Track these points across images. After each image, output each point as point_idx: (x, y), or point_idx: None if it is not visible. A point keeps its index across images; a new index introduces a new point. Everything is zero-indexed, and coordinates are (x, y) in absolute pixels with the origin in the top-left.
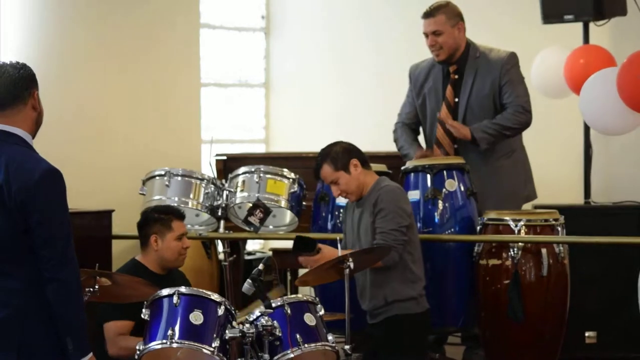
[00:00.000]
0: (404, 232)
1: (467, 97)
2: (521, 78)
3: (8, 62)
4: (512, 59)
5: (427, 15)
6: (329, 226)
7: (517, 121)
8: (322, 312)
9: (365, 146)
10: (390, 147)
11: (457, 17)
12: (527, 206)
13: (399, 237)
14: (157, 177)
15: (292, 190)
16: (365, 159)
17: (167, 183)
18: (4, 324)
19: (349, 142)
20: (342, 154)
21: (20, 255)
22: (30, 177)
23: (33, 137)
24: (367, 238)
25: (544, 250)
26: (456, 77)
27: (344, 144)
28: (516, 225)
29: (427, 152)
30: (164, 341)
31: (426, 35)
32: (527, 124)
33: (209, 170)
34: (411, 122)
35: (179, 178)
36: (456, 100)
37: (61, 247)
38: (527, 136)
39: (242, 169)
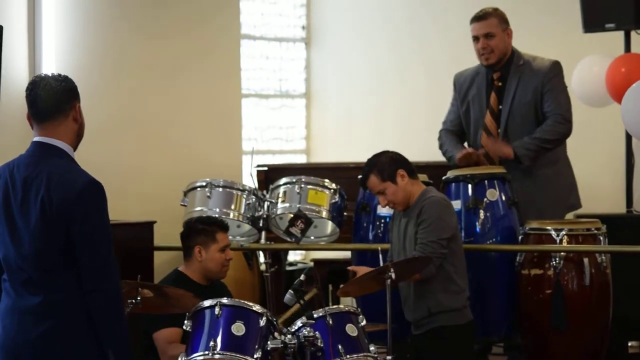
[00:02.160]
0: (444, 244)
1: (509, 104)
2: (563, 87)
3: (50, 74)
4: (556, 67)
5: (479, 18)
6: (370, 236)
7: (556, 132)
8: (363, 323)
9: (406, 156)
10: (432, 156)
11: (506, 23)
12: (570, 215)
13: (437, 250)
14: (199, 188)
15: (333, 200)
16: (412, 169)
17: (208, 194)
18: (47, 336)
19: (395, 152)
20: (388, 164)
21: (62, 267)
22: (71, 189)
23: (75, 149)
24: (411, 248)
25: (586, 260)
26: (500, 84)
27: (391, 153)
28: (558, 235)
29: (471, 151)
30: (206, 352)
31: (476, 38)
32: (567, 134)
33: (250, 181)
34: (455, 129)
35: (221, 189)
36: (500, 107)
37: (102, 259)
38: (568, 145)
39: (283, 180)
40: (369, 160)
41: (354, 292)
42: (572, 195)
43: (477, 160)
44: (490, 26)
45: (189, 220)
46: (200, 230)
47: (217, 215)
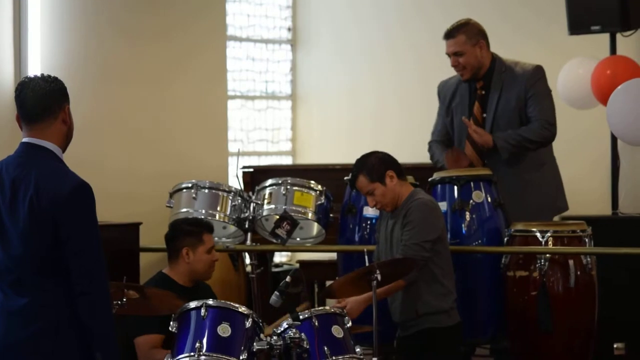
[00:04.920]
0: (427, 247)
1: (493, 112)
2: (547, 91)
3: (40, 76)
4: (538, 72)
5: (448, 36)
6: (356, 238)
7: (540, 135)
8: (349, 324)
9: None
10: (418, 158)
11: (478, 36)
12: (556, 218)
13: (420, 252)
14: (185, 190)
15: (319, 202)
16: (401, 170)
17: (194, 196)
18: (35, 338)
19: (384, 152)
20: (378, 165)
21: (51, 268)
22: (60, 191)
23: (63, 151)
24: (398, 250)
25: (571, 262)
26: (483, 92)
27: (380, 154)
28: (543, 237)
29: (456, 151)
30: (192, 354)
31: (449, 55)
32: (550, 138)
33: (236, 182)
34: (444, 139)
35: (206, 190)
36: (484, 115)
37: (91, 261)
38: (554, 147)
39: (269, 181)
40: (358, 160)
41: (340, 294)
42: (559, 198)
43: (458, 155)
44: (458, 44)
45: (175, 222)
46: (187, 232)
47: (202, 217)
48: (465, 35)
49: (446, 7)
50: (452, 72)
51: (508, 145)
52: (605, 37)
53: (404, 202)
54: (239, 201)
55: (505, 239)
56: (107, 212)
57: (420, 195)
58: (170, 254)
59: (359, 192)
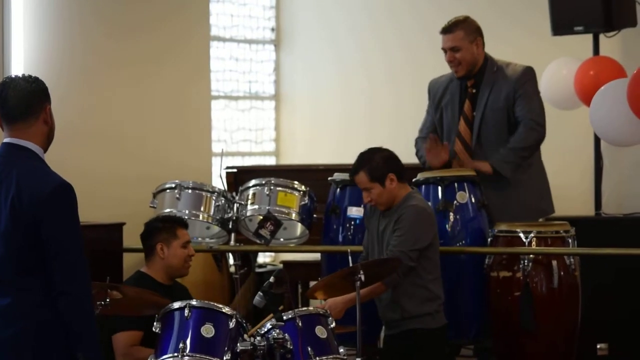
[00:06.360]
0: (413, 257)
1: (482, 111)
2: (536, 92)
3: (21, 76)
4: (528, 73)
5: (446, 31)
6: (340, 238)
7: (530, 139)
8: (333, 325)
9: None
10: (401, 159)
11: (475, 33)
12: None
13: (405, 260)
14: (168, 190)
15: (302, 202)
16: (403, 172)
17: (177, 196)
18: (17, 338)
19: (390, 151)
20: (381, 165)
21: (33, 268)
22: (41, 191)
23: (45, 151)
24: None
25: (554, 262)
26: (474, 91)
27: (386, 153)
28: (527, 237)
29: (436, 142)
30: (176, 354)
31: (445, 50)
32: (540, 139)
33: (219, 182)
34: None
35: (190, 191)
36: (474, 114)
37: (72, 261)
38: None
39: (253, 182)
40: (363, 154)
41: (324, 294)
42: (544, 200)
43: (438, 148)
44: (456, 39)
45: (149, 221)
46: (160, 228)
47: (186, 217)
48: (464, 32)
49: (439, 4)
50: (444, 71)
51: (508, 164)
52: (589, 37)
53: (398, 204)
54: (223, 201)
55: (489, 240)
56: (91, 213)
57: (415, 201)
58: (146, 253)
59: (344, 193)
